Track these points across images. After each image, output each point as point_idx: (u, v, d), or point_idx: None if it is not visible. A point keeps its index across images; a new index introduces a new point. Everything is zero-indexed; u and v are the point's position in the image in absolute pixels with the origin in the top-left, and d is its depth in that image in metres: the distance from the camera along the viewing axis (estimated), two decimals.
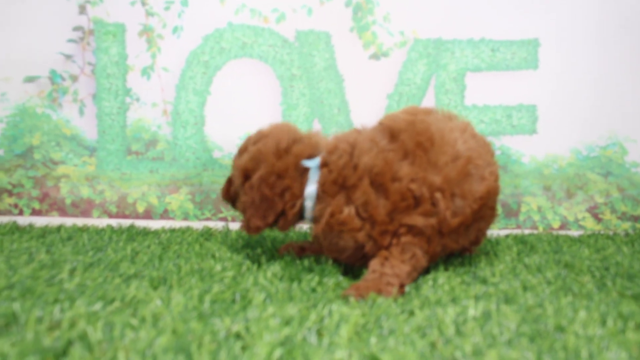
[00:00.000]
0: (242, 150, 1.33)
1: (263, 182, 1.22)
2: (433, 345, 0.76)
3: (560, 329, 0.83)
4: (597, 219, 1.83)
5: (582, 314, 0.90)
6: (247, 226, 1.26)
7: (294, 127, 1.31)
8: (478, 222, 1.25)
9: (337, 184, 1.16)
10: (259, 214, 1.23)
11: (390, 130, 1.19)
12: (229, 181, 1.38)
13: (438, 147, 1.17)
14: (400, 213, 1.13)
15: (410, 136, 1.17)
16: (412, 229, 1.13)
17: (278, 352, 0.71)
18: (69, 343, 0.74)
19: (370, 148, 1.16)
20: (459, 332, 0.81)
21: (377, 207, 1.13)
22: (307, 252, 1.35)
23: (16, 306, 0.86)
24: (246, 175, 1.27)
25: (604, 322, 0.87)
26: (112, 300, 0.94)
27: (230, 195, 1.38)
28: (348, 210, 1.14)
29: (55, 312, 0.85)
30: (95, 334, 0.75)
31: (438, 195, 1.14)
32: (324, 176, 1.18)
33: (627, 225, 1.83)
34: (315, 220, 1.21)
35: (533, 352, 0.73)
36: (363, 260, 1.18)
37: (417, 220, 1.13)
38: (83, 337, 0.75)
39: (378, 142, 1.17)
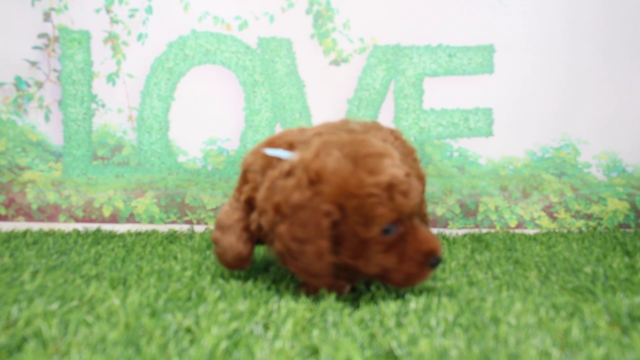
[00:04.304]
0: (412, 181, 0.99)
1: None
2: (373, 336, 0.81)
3: (495, 319, 0.88)
4: (552, 217, 1.90)
5: (518, 305, 0.95)
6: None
7: None
8: None
9: None
10: None
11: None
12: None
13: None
14: None
15: None
16: None
17: (224, 344, 0.75)
18: (24, 340, 0.77)
19: None
20: (398, 324, 0.86)
21: None
22: None
23: None
24: None
25: (537, 313, 0.92)
26: (71, 300, 0.97)
27: None
28: None
29: (12, 312, 0.88)
30: (50, 331, 0.79)
31: None
32: None
33: (580, 223, 1.90)
34: None
35: (464, 341, 0.78)
36: None
37: None
38: (37, 334, 0.78)
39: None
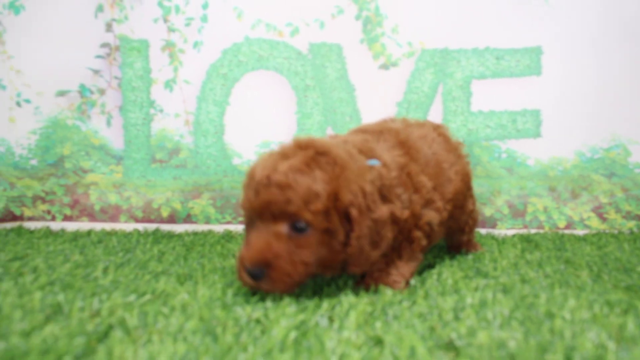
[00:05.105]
0: (314, 191, 0.98)
1: (370, 199, 1.03)
2: (432, 328, 0.85)
3: (550, 314, 0.91)
4: (602, 218, 1.90)
5: (572, 302, 0.97)
6: (367, 264, 1.06)
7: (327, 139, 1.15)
8: (448, 221, 1.32)
9: (393, 184, 1.12)
10: (376, 243, 1.05)
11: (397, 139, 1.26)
12: (280, 259, 0.98)
13: (422, 154, 1.25)
14: (424, 208, 1.19)
15: (412, 144, 1.25)
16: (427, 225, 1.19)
17: (293, 334, 0.80)
18: (110, 328, 0.84)
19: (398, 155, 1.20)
20: (456, 317, 0.90)
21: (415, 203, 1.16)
22: None
23: (60, 298, 0.97)
24: (345, 210, 1.01)
25: (591, 309, 0.94)
26: (144, 293, 1.04)
27: (307, 265, 1.00)
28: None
29: (94, 303, 0.95)
30: (132, 320, 0.85)
31: (436, 196, 1.23)
32: (384, 175, 1.11)
33: (631, 224, 1.89)
34: None
35: (521, 333, 0.81)
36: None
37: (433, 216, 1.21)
38: (121, 323, 0.85)
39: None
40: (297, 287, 1.02)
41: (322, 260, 1.02)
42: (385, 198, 1.08)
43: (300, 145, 1.05)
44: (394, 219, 1.09)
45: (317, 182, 0.99)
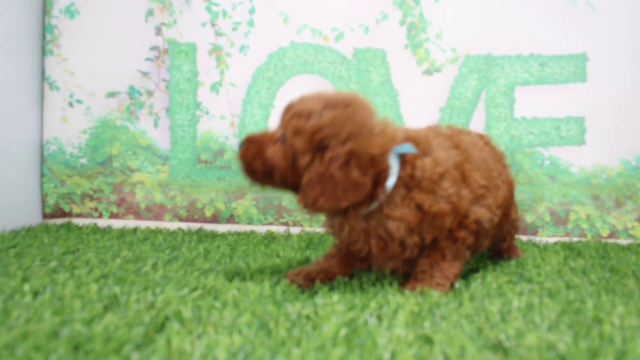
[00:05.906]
0: (307, 112, 1.09)
1: (354, 160, 1.04)
2: (480, 329, 0.86)
3: (598, 320, 0.92)
4: None
5: (620, 308, 0.97)
6: (310, 203, 1.07)
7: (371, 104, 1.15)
8: (495, 228, 1.31)
9: (431, 177, 1.12)
10: (333, 194, 1.04)
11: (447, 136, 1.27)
12: (258, 143, 1.15)
13: (474, 158, 1.25)
14: (474, 205, 1.19)
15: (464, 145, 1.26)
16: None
17: (344, 331, 0.82)
18: (166, 319, 0.87)
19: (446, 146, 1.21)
20: (503, 320, 0.91)
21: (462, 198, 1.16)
22: (319, 277, 1.19)
23: (116, 290, 1.00)
24: (319, 143, 1.07)
25: None
26: (195, 288, 1.07)
27: (265, 161, 1.13)
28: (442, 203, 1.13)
29: (148, 296, 0.99)
30: (187, 313, 0.88)
31: (487, 193, 1.23)
32: (426, 167, 1.12)
33: None
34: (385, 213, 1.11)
35: (570, 336, 0.82)
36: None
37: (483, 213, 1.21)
38: (177, 315, 0.88)
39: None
40: (256, 179, 1.15)
41: (282, 174, 1.12)
42: (422, 189, 1.11)
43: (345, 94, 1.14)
44: (422, 210, 1.11)
45: (319, 112, 1.08)
